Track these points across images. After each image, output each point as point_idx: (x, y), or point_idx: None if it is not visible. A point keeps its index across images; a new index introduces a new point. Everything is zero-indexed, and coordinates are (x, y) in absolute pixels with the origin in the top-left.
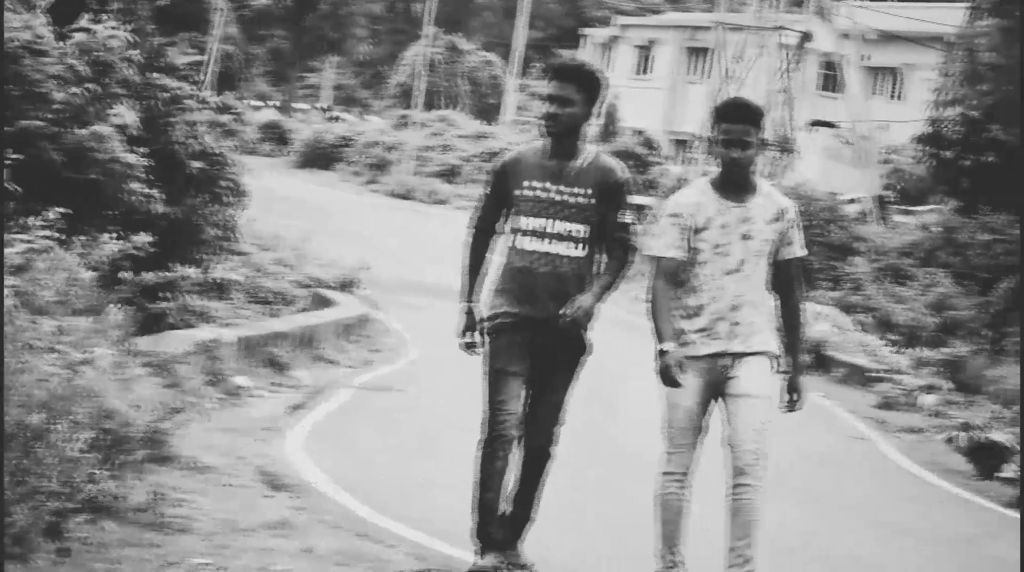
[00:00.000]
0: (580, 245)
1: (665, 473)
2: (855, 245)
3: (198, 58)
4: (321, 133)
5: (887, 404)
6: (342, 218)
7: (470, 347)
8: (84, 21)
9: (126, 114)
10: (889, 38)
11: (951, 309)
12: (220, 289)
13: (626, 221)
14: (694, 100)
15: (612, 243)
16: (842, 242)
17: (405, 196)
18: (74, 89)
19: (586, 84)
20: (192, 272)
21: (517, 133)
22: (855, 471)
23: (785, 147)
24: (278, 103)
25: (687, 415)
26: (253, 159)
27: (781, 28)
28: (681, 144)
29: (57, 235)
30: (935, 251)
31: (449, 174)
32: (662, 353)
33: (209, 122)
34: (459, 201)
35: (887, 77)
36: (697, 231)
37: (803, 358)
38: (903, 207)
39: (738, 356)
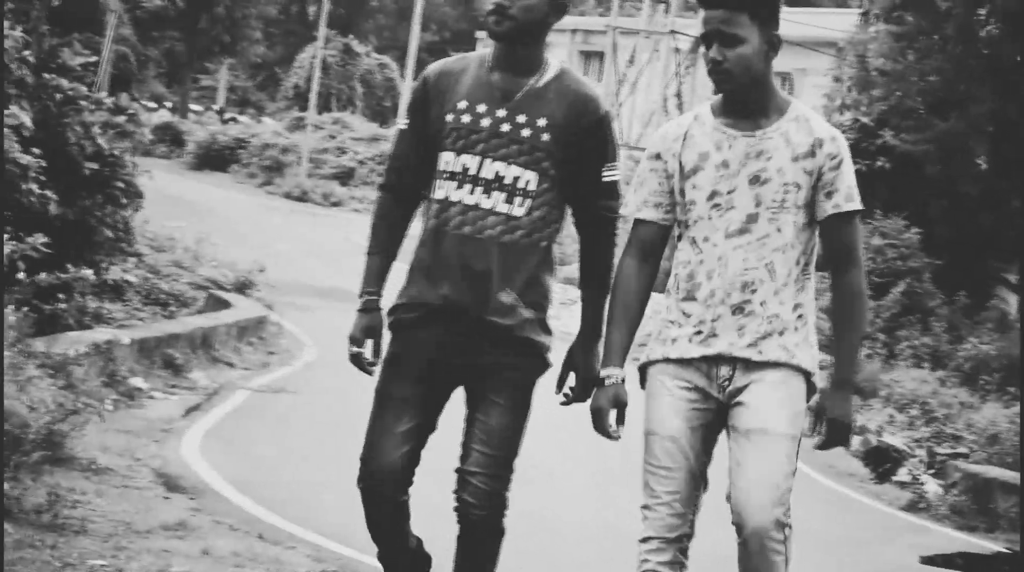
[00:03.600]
0: (522, 200)
1: (641, 540)
2: None
3: (92, 59)
4: (216, 135)
5: None
6: (237, 220)
7: (356, 362)
8: None
9: (20, 115)
10: (788, 44)
11: None
12: (116, 290)
13: (613, 179)
14: None
15: (591, 219)
16: None
17: (300, 198)
18: None
19: None
20: (87, 274)
21: None
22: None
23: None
24: (173, 105)
25: (668, 451)
26: (148, 160)
27: (674, 32)
28: None
29: None
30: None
31: (344, 176)
32: (599, 381)
33: (104, 123)
34: (354, 203)
35: (780, 82)
36: (686, 175)
37: (851, 374)
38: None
39: (746, 365)
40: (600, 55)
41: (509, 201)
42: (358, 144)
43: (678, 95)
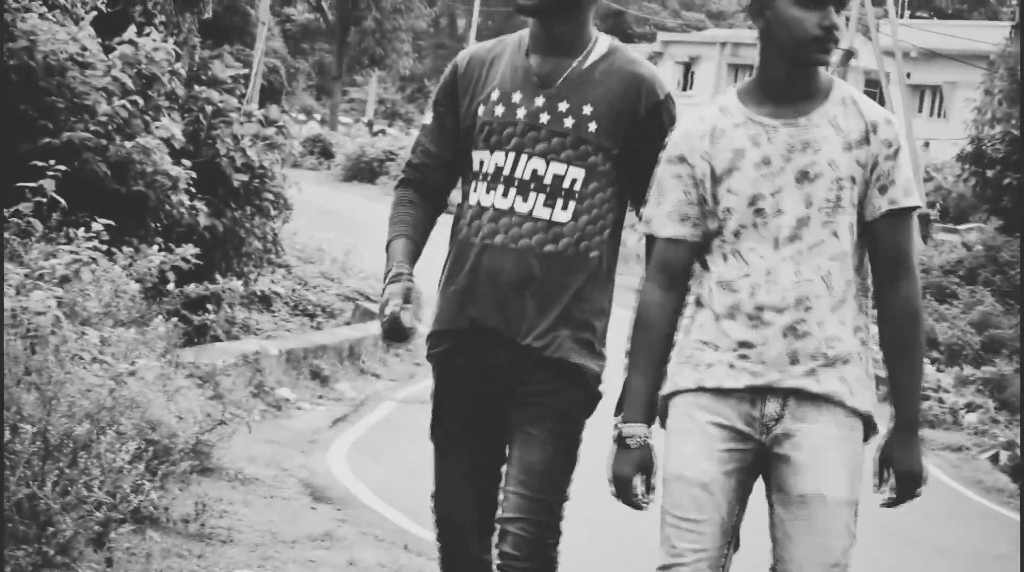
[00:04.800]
0: (565, 202)
1: None
2: None
3: (243, 71)
4: (364, 147)
5: (930, 422)
6: (385, 231)
7: (393, 336)
8: (130, 34)
9: (171, 127)
10: (931, 56)
11: (994, 328)
12: (264, 301)
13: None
14: None
15: None
16: None
17: (448, 211)
18: (120, 101)
19: None
20: (236, 285)
21: None
22: None
23: None
24: (322, 117)
25: (696, 501)
26: (297, 172)
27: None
28: None
29: (103, 247)
30: (978, 269)
31: None
32: (620, 440)
33: (254, 135)
34: None
35: (929, 95)
36: (718, 179)
37: (916, 413)
38: (946, 225)
39: (799, 398)
40: (749, 67)
41: (550, 204)
42: None
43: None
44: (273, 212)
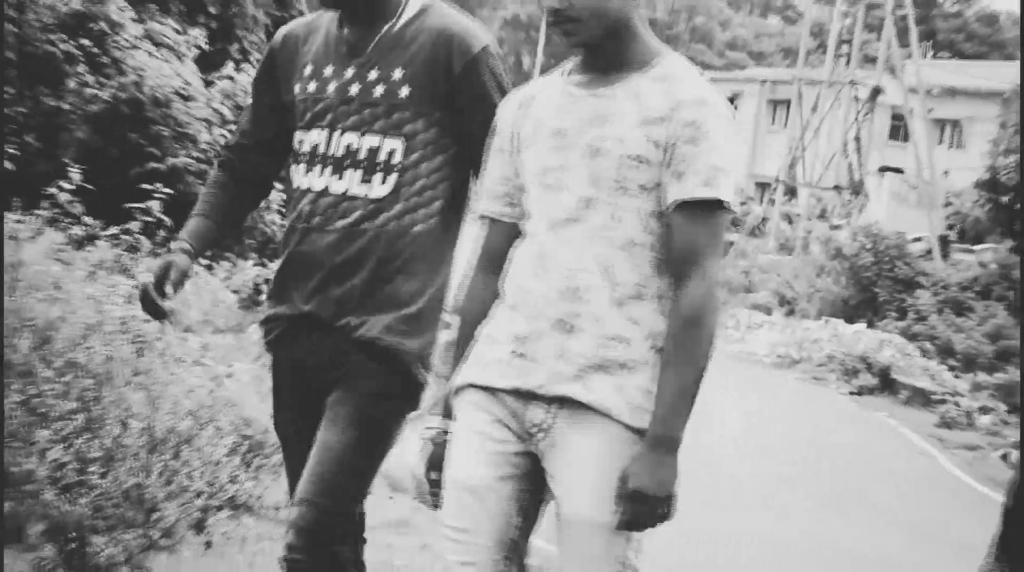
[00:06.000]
0: (383, 177)
1: None
2: (919, 279)
3: None
4: None
5: (947, 423)
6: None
7: (146, 309)
8: (228, 70)
9: None
10: (952, 93)
11: (1006, 338)
12: None
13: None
14: (775, 147)
15: None
16: (908, 277)
17: None
18: (219, 130)
19: None
20: None
21: None
22: (918, 484)
23: (857, 190)
24: None
25: (466, 509)
26: None
27: (854, 83)
28: (763, 186)
29: (203, 261)
30: (992, 286)
31: None
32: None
33: None
34: None
35: (950, 128)
36: (520, 150)
37: (674, 428)
38: (963, 246)
39: (567, 405)
40: (787, 103)
41: (367, 179)
42: None
43: (857, 139)
44: None
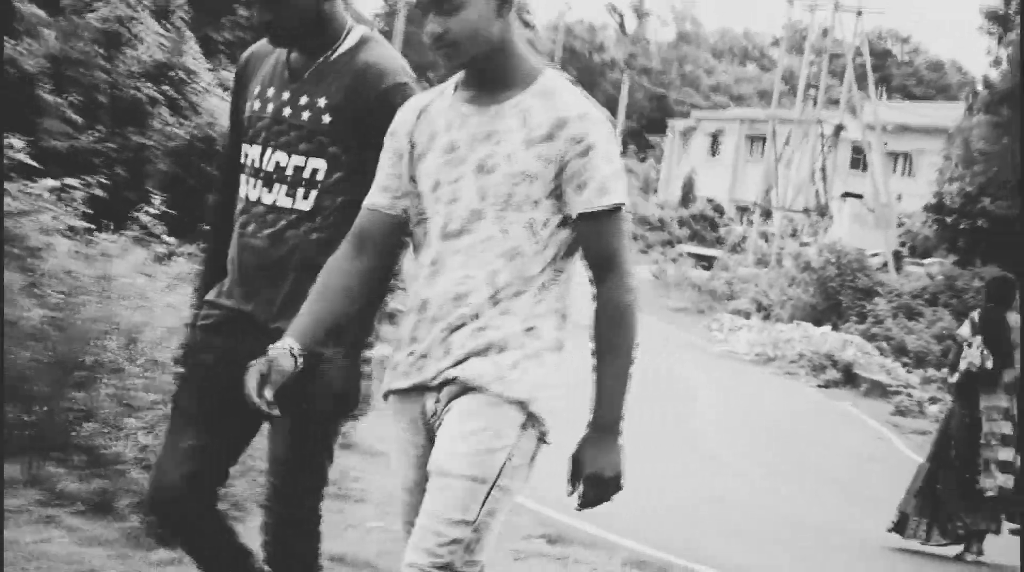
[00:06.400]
0: (306, 192)
1: None
2: (877, 289)
3: None
4: None
5: (901, 411)
6: None
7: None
8: None
9: None
10: (904, 129)
11: (951, 339)
12: (391, 317)
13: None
14: (752, 176)
15: None
16: (867, 286)
17: None
18: None
19: None
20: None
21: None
22: (875, 463)
23: (823, 213)
24: None
25: (405, 505)
26: None
27: (820, 121)
28: (742, 210)
29: None
30: (939, 294)
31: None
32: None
33: None
34: None
35: (902, 159)
36: (416, 159)
37: (613, 414)
38: (914, 260)
39: (449, 389)
40: (763, 138)
41: (291, 194)
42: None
43: (823, 169)
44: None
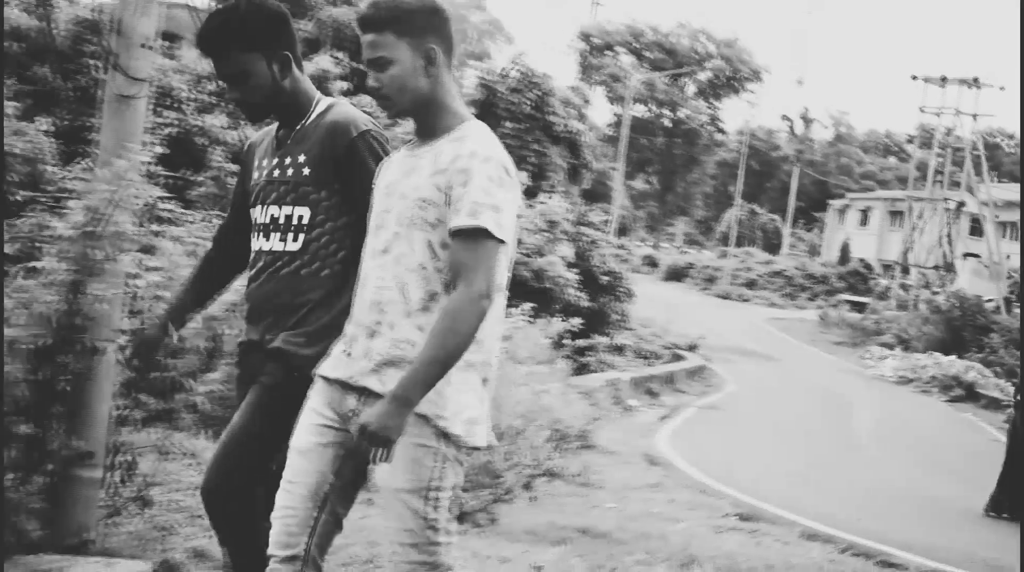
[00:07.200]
0: (295, 235)
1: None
2: (991, 326)
3: (605, 218)
4: (676, 260)
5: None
6: (688, 309)
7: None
8: (542, 198)
9: (565, 250)
10: (1010, 204)
11: None
12: (618, 350)
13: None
14: (894, 241)
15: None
16: (984, 324)
17: (725, 296)
18: (535, 236)
19: (239, 35)
20: (603, 340)
21: (787, 257)
22: (992, 458)
23: (949, 269)
24: (653, 242)
25: (292, 465)
26: (637, 276)
27: (945, 199)
28: (886, 267)
29: (528, 318)
30: None
31: (750, 284)
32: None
33: (613, 254)
34: (758, 300)
35: (1010, 227)
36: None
37: (408, 389)
38: (1020, 304)
39: (369, 395)
40: (901, 213)
41: (284, 238)
42: (757, 265)
43: (948, 235)
44: (624, 298)
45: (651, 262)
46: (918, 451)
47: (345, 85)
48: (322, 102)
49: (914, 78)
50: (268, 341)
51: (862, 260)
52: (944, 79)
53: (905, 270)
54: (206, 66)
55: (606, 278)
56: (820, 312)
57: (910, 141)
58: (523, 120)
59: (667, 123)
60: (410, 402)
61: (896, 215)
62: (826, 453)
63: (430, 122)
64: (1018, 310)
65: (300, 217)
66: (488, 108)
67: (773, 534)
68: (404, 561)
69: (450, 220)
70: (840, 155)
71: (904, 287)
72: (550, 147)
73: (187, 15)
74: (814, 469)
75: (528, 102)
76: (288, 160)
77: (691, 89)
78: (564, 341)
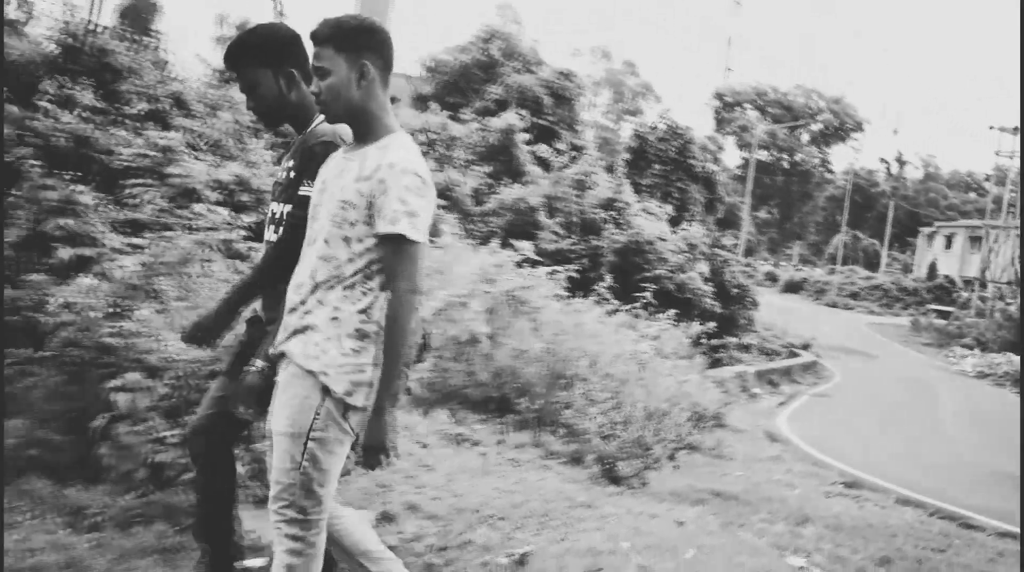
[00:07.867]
0: (276, 227)
1: None
2: None
3: (736, 241)
4: (793, 276)
5: None
6: (802, 315)
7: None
8: (684, 225)
9: (703, 267)
10: None
11: None
12: (746, 348)
13: (304, 194)
14: (974, 262)
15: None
16: None
17: (832, 306)
18: (677, 256)
19: (253, 52)
20: (733, 340)
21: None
22: None
23: (1020, 284)
24: (773, 262)
25: (270, 445)
26: (761, 288)
27: (1018, 226)
28: (967, 282)
29: (672, 322)
30: None
31: (854, 295)
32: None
33: (741, 271)
34: (859, 308)
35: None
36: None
37: (385, 399)
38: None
39: (288, 361)
40: (980, 238)
41: (276, 230)
42: (859, 280)
43: (1020, 257)
44: (750, 306)
45: (772, 277)
46: (993, 433)
47: (527, 136)
48: (320, 116)
49: (991, 128)
50: (266, 318)
51: (947, 276)
52: (1016, 129)
53: (983, 285)
54: (416, 122)
55: (736, 290)
56: (912, 319)
57: (987, 179)
58: (669, 163)
59: (785, 165)
60: (382, 409)
61: (975, 240)
62: (917, 433)
63: (361, 129)
64: None
65: (283, 212)
66: (641, 154)
67: (873, 499)
68: (274, 496)
69: (375, 225)
70: (928, 191)
71: (982, 299)
72: (690, 185)
73: (403, 82)
74: (907, 446)
75: (673, 149)
76: (288, 163)
77: (805, 138)
78: (701, 341)
